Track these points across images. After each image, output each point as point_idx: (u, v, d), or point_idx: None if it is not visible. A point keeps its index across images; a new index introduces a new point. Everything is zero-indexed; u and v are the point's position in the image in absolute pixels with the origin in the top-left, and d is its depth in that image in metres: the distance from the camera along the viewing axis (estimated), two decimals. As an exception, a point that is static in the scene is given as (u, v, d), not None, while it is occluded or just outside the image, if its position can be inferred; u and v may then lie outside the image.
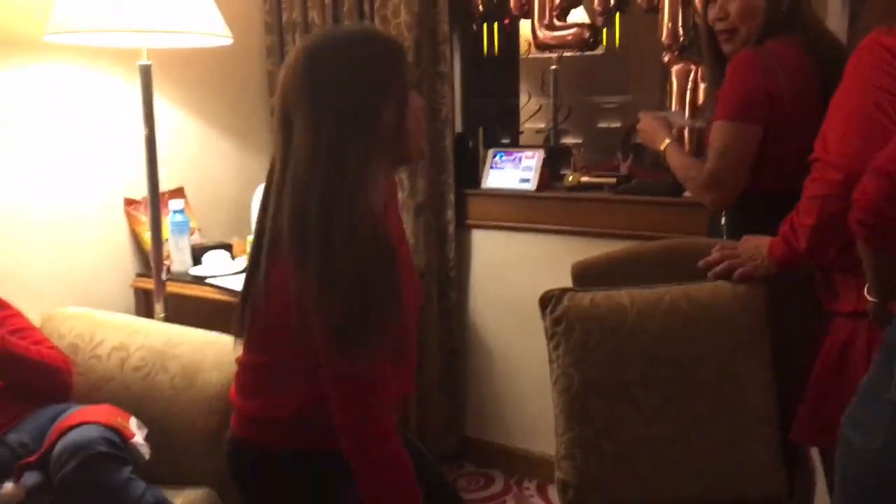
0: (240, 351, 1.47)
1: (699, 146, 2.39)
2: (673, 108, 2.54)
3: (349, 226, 1.24)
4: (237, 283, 2.49)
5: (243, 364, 1.46)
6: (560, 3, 2.77)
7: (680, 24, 2.50)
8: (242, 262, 2.70)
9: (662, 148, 1.99)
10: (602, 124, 3.73)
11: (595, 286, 1.78)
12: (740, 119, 1.76)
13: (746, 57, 1.79)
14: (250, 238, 2.67)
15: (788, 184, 1.60)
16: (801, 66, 1.77)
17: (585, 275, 1.89)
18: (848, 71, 1.41)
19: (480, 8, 2.95)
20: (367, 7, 2.87)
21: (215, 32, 2.25)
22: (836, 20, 2.35)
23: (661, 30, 2.54)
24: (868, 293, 1.38)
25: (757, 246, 1.67)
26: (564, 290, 1.75)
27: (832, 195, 1.37)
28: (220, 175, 3.02)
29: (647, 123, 2.09)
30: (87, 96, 2.55)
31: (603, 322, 1.68)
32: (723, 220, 1.93)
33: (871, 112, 1.33)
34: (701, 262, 1.76)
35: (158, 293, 2.43)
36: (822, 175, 1.40)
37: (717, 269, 1.73)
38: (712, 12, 1.88)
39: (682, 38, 2.51)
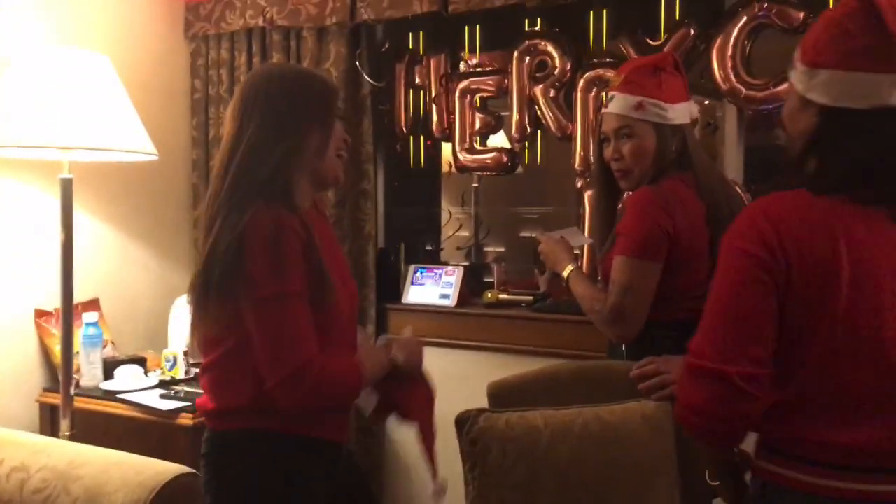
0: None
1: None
2: (581, 227, 2.64)
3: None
4: (151, 399, 2.43)
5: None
6: (480, 128, 2.90)
7: (591, 151, 2.65)
8: (156, 376, 2.64)
9: (565, 275, 2.05)
10: (524, 233, 3.84)
11: (511, 406, 1.80)
12: (642, 257, 1.85)
13: (646, 196, 1.89)
14: (166, 352, 2.64)
15: (684, 312, 1.68)
16: (694, 203, 1.90)
17: (501, 394, 1.92)
18: None
19: (404, 129, 3.06)
20: (293, 126, 2.95)
21: (140, 149, 2.27)
22: (732, 154, 2.53)
23: (574, 157, 2.68)
24: (709, 478, 1.40)
25: None
26: (480, 411, 1.77)
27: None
28: (137, 287, 2.98)
29: (548, 247, 2.14)
30: (4, 206, 2.51)
31: (518, 444, 1.70)
32: (623, 346, 1.99)
33: None
34: (635, 371, 1.80)
35: (65, 409, 2.35)
36: None
37: (652, 382, 1.77)
38: (607, 152, 1.99)
39: (592, 166, 2.65)
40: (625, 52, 2.59)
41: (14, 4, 2.53)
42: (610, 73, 2.59)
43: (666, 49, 2.49)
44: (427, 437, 1.80)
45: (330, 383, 1.53)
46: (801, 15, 2.27)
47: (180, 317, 2.89)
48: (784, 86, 2.24)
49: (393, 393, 1.78)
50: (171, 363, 2.66)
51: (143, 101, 2.36)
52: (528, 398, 1.86)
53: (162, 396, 2.47)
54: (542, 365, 2.09)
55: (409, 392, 1.80)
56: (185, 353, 2.72)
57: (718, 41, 2.40)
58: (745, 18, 2.36)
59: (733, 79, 2.38)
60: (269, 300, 1.48)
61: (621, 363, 1.92)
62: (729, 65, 2.39)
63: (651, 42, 2.58)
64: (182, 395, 2.47)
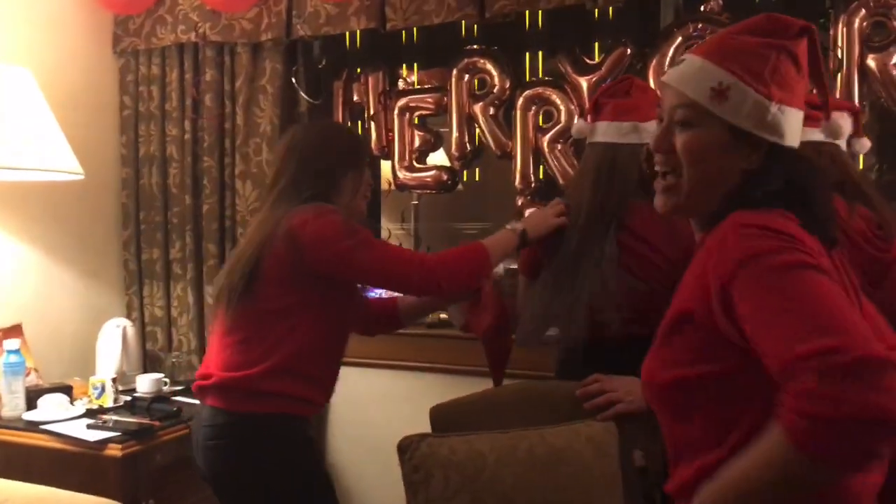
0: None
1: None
2: None
3: None
4: (77, 430, 2.32)
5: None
6: (419, 146, 2.87)
7: (531, 170, 2.64)
8: (82, 405, 2.53)
9: None
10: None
11: (454, 429, 1.77)
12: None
13: None
14: (93, 379, 2.53)
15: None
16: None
17: (444, 418, 1.88)
18: None
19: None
20: (227, 144, 2.88)
21: (65, 168, 2.18)
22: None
23: (514, 175, 2.67)
24: None
25: (633, 382, 1.69)
26: (423, 436, 1.73)
27: None
28: (63, 311, 2.86)
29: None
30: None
31: (462, 470, 1.66)
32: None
33: None
34: (580, 391, 1.79)
35: (-16, 443, 2.22)
36: None
37: (599, 400, 1.77)
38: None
39: (533, 184, 2.65)
40: (563, 70, 2.60)
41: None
42: (549, 92, 2.60)
43: (603, 69, 2.51)
44: (489, 355, 2.00)
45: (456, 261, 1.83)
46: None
47: (108, 341, 2.78)
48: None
49: (469, 309, 1.98)
50: (98, 391, 2.55)
51: (69, 117, 2.26)
52: (471, 421, 1.83)
53: (89, 426, 2.36)
54: (485, 385, 2.06)
55: (478, 312, 1.96)
56: (114, 380, 2.61)
57: (654, 61, 2.42)
58: (679, 38, 2.38)
59: (669, 97, 2.40)
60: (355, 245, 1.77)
61: (564, 383, 1.90)
62: (665, 84, 2.41)
63: (588, 61, 2.59)
64: (111, 424, 2.36)
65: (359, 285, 2.02)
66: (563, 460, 1.68)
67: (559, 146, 2.60)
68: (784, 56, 1.14)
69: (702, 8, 2.39)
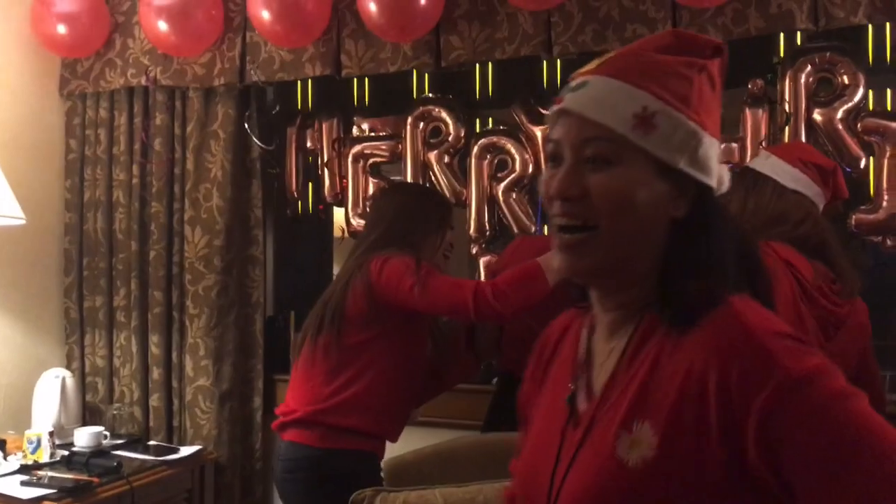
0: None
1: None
2: None
3: None
4: (10, 487, 2.20)
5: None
6: (373, 194, 2.85)
7: (486, 218, 2.64)
8: (17, 461, 2.40)
9: None
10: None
11: (409, 484, 1.71)
12: None
13: None
14: (29, 433, 2.41)
15: None
16: None
17: (397, 473, 1.83)
18: None
19: (295, 194, 2.97)
20: (177, 189, 2.82)
21: (5, 213, 2.10)
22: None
23: (469, 223, 2.66)
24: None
25: None
26: (377, 491, 1.68)
27: None
28: (-1, 361, 2.74)
29: None
30: None
31: (416, 526, 1.61)
32: None
33: None
34: None
35: None
36: None
37: None
38: None
39: (487, 232, 2.64)
40: (517, 119, 2.62)
41: None
42: (504, 141, 2.61)
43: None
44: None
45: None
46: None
47: (46, 393, 2.67)
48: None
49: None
50: (34, 445, 2.43)
51: (11, 160, 2.19)
52: (425, 475, 1.78)
53: (23, 483, 2.24)
54: (439, 437, 2.02)
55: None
56: (51, 434, 2.49)
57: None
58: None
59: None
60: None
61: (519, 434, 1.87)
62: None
63: (543, 110, 2.61)
64: (46, 480, 2.24)
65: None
66: (521, 515, 1.64)
67: (514, 195, 2.60)
68: (704, 78, 0.93)
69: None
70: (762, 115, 2.32)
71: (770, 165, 1.78)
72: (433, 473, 1.79)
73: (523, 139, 2.60)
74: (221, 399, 2.76)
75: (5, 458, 2.41)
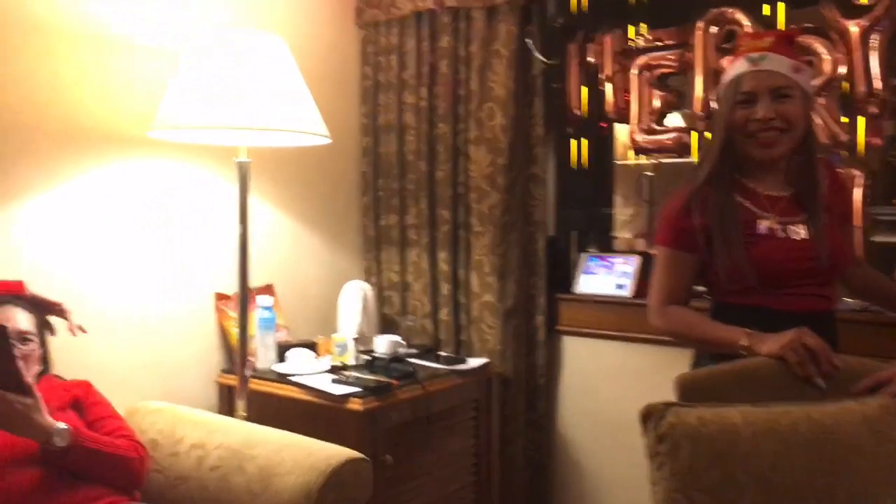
0: None
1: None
2: None
3: None
4: (323, 384, 2.43)
5: None
6: (660, 107, 2.71)
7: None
8: (327, 361, 2.65)
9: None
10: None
11: (702, 402, 1.63)
12: None
13: None
14: (336, 337, 2.64)
15: None
16: None
17: (691, 389, 1.74)
18: None
19: (576, 111, 2.92)
20: (461, 110, 2.88)
21: (315, 132, 2.26)
22: None
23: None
24: None
25: None
26: (669, 405, 1.61)
27: None
28: (309, 273, 3.02)
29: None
30: (185, 192, 2.60)
31: (712, 443, 1.52)
32: None
33: None
34: (868, 381, 1.63)
35: (241, 390, 2.38)
36: None
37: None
38: (755, 112, 1.79)
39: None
40: (828, 15, 2.33)
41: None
42: (811, 41, 2.34)
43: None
44: None
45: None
46: None
47: (349, 303, 2.90)
48: None
49: None
50: (341, 348, 2.66)
51: (313, 87, 2.34)
52: (720, 396, 1.67)
53: (334, 381, 2.46)
54: (729, 362, 1.89)
55: None
56: (355, 339, 2.71)
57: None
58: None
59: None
60: None
61: (837, 356, 1.69)
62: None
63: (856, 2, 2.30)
64: (353, 380, 2.45)
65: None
66: (833, 441, 1.49)
67: (822, 100, 2.33)
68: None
69: None
70: None
71: None
72: (730, 393, 1.68)
73: (835, 37, 2.31)
74: (506, 315, 2.82)
75: (317, 358, 2.67)
